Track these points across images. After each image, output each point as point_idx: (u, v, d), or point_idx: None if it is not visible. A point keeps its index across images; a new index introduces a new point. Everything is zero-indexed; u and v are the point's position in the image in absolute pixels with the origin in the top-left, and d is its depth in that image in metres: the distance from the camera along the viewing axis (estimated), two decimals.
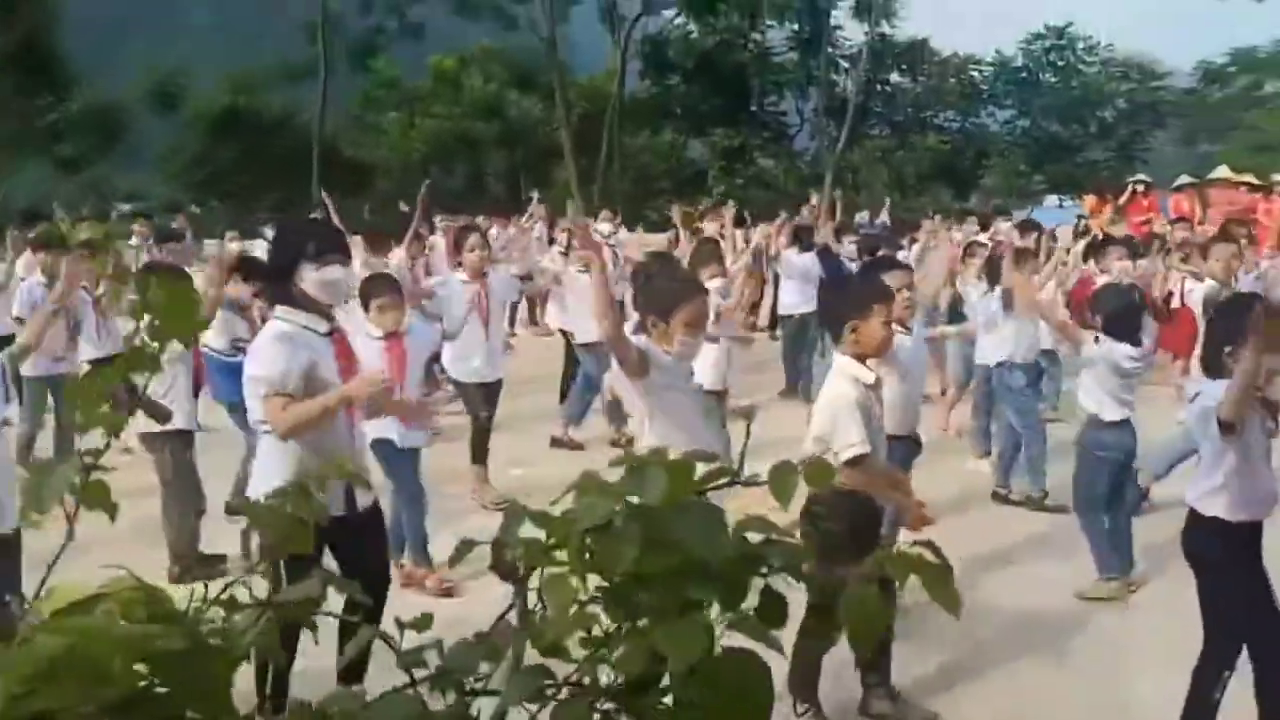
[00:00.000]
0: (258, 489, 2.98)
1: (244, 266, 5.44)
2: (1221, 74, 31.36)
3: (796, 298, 8.62)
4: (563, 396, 7.52)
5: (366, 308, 4.51)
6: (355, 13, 30.52)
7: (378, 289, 4.55)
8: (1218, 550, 3.07)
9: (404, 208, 10.41)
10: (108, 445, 0.95)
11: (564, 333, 7.71)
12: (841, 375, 3.34)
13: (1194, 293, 6.65)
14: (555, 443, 6.99)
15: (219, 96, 30.48)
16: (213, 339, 5.31)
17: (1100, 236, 8.32)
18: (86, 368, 6.00)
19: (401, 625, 0.94)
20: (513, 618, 0.91)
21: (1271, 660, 3.02)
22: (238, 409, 4.92)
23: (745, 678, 0.82)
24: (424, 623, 0.95)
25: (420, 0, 30.08)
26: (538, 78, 32.07)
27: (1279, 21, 37.50)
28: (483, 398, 5.80)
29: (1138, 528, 4.72)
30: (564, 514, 0.86)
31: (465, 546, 0.98)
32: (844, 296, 3.66)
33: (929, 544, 0.88)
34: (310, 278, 3.05)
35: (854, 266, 7.70)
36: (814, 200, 14.41)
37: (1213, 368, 3.17)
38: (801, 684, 3.30)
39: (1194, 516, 3.13)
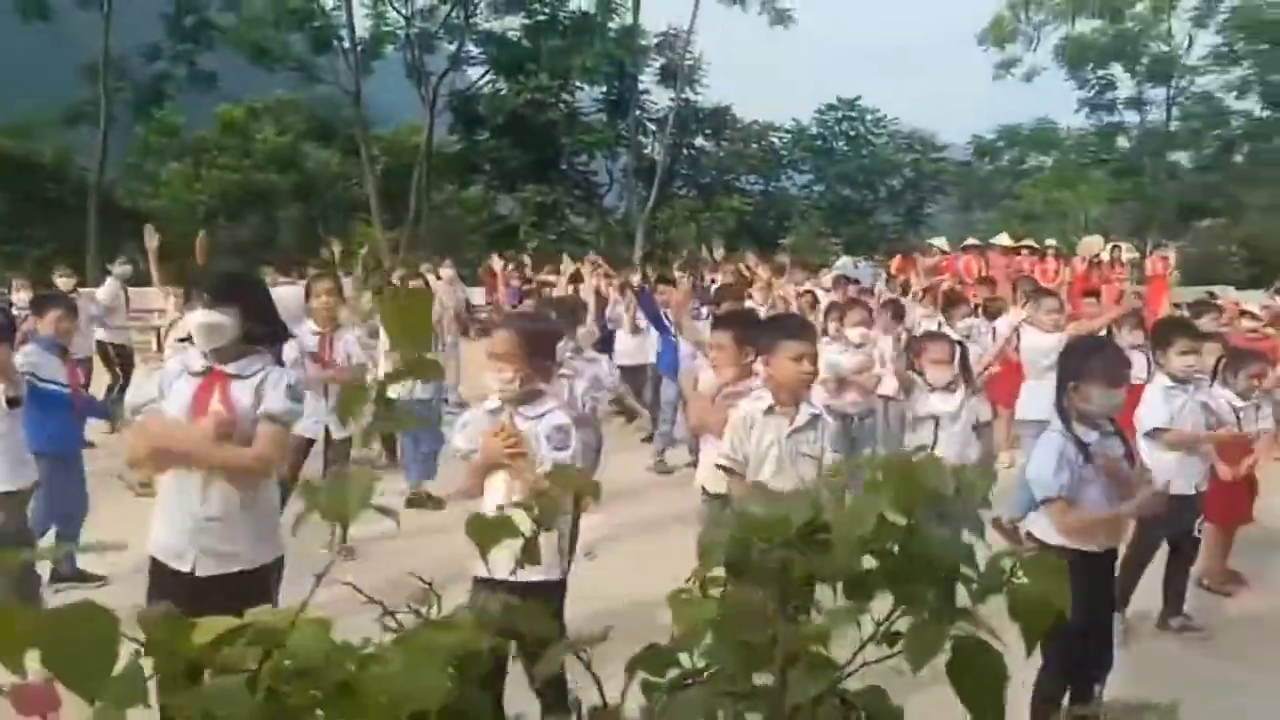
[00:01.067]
0: None
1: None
2: (991, 148, 34.28)
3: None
4: None
5: None
6: (141, 57, 28.77)
7: None
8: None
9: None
10: None
11: None
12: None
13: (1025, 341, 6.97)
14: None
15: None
16: None
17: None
18: None
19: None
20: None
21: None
22: None
23: (985, 662, 0.91)
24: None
25: (212, 49, 28.69)
26: (335, 130, 31.32)
27: (1042, 102, 41.65)
28: None
29: None
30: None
31: None
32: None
33: None
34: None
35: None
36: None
37: (1060, 406, 3.56)
38: None
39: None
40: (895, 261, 16.10)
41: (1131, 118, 31.87)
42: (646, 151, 31.21)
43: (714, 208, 29.90)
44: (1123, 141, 32.53)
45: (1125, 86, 31.06)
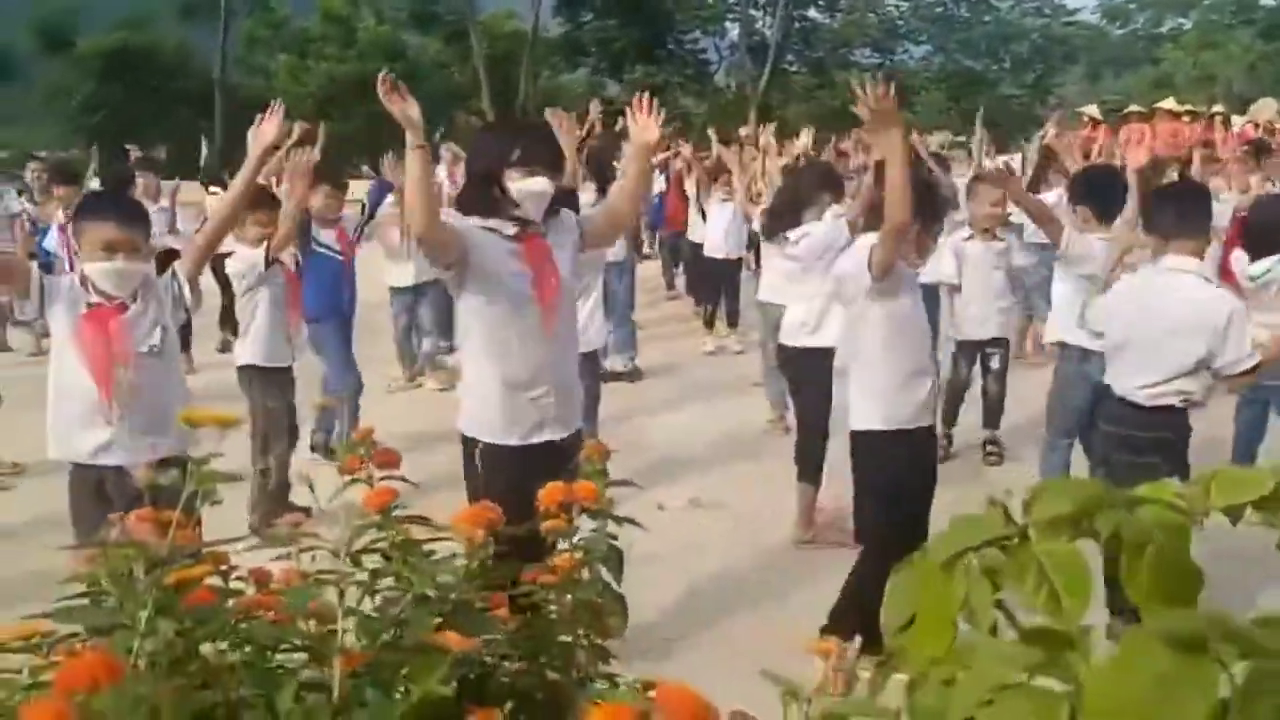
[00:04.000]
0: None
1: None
2: (1123, 11, 32.17)
3: None
4: None
5: None
6: None
7: None
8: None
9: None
10: None
11: None
12: None
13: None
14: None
15: (110, 35, 28.40)
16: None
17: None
18: None
19: None
20: None
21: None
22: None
23: None
24: None
25: None
26: (436, 17, 30.91)
27: None
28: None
29: None
30: None
31: None
32: None
33: None
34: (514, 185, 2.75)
35: None
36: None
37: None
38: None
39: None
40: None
41: None
42: (758, 26, 30.13)
43: (830, 83, 28.88)
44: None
45: None
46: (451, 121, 31.13)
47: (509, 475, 2.67)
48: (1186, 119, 14.26)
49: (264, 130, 3.12)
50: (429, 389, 7.06)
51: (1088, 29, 31.78)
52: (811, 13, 31.10)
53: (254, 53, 32.02)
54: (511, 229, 2.77)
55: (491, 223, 2.76)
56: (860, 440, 3.21)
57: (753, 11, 30.10)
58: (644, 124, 3.04)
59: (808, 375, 4.42)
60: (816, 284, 4.33)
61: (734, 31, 30.72)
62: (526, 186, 2.73)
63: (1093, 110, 15.77)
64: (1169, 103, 14.95)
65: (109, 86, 27.42)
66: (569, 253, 2.89)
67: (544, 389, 2.80)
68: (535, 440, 2.79)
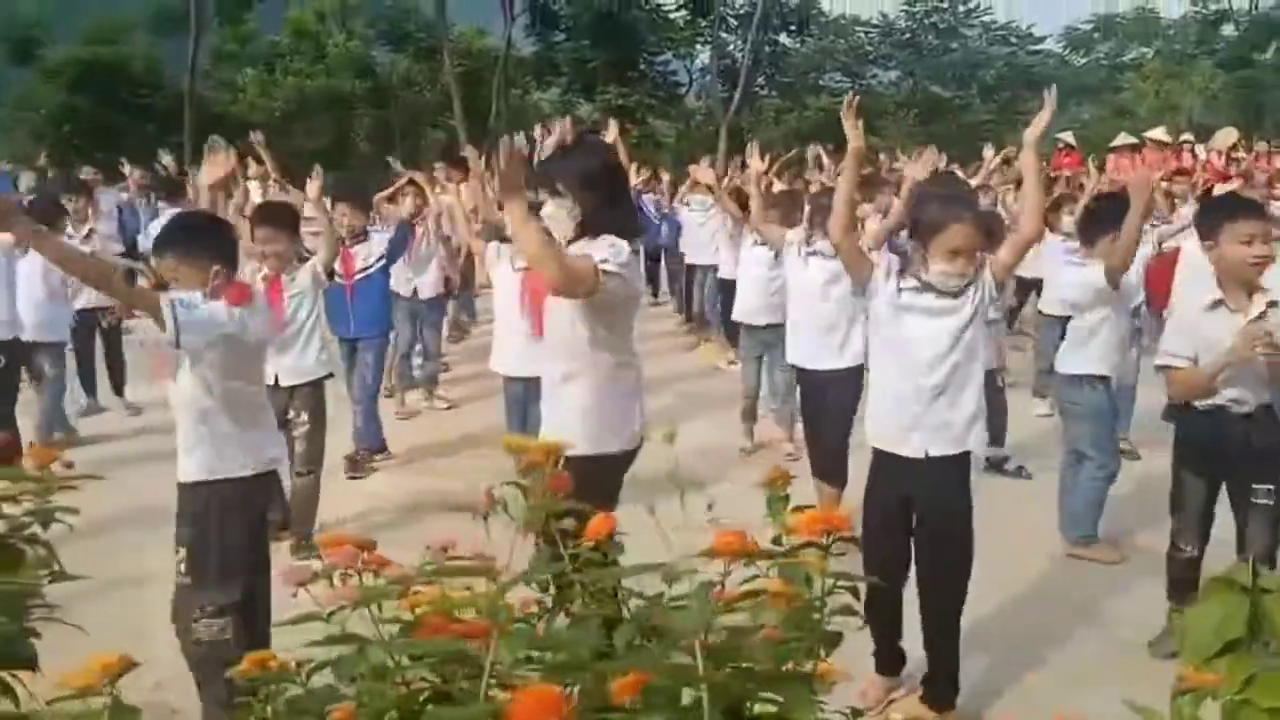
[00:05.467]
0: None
1: None
2: (1086, 40, 32.73)
3: None
4: None
5: None
6: None
7: None
8: None
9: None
10: None
11: None
12: None
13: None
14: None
15: (80, 48, 28.02)
16: None
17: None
18: None
19: None
20: None
21: None
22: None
23: None
24: None
25: None
26: (406, 34, 30.82)
27: None
28: None
29: None
30: None
31: None
32: None
33: None
34: None
35: None
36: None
37: None
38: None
39: None
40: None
41: (1240, 2, 30.13)
42: (729, 49, 30.31)
43: (800, 107, 29.09)
44: (1229, 29, 30.83)
45: None
46: (421, 138, 31.13)
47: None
48: (1176, 149, 14.35)
49: (209, 169, 3.33)
50: (436, 408, 7.34)
51: (1052, 57, 32.30)
52: (783, 38, 31.37)
53: (222, 67, 31.73)
54: None
55: None
56: None
57: (724, 35, 30.31)
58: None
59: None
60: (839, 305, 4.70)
61: (705, 54, 30.89)
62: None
63: (1068, 137, 15.97)
64: (1158, 132, 15.13)
65: (77, 99, 27.02)
66: None
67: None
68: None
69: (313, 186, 4.97)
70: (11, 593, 1.12)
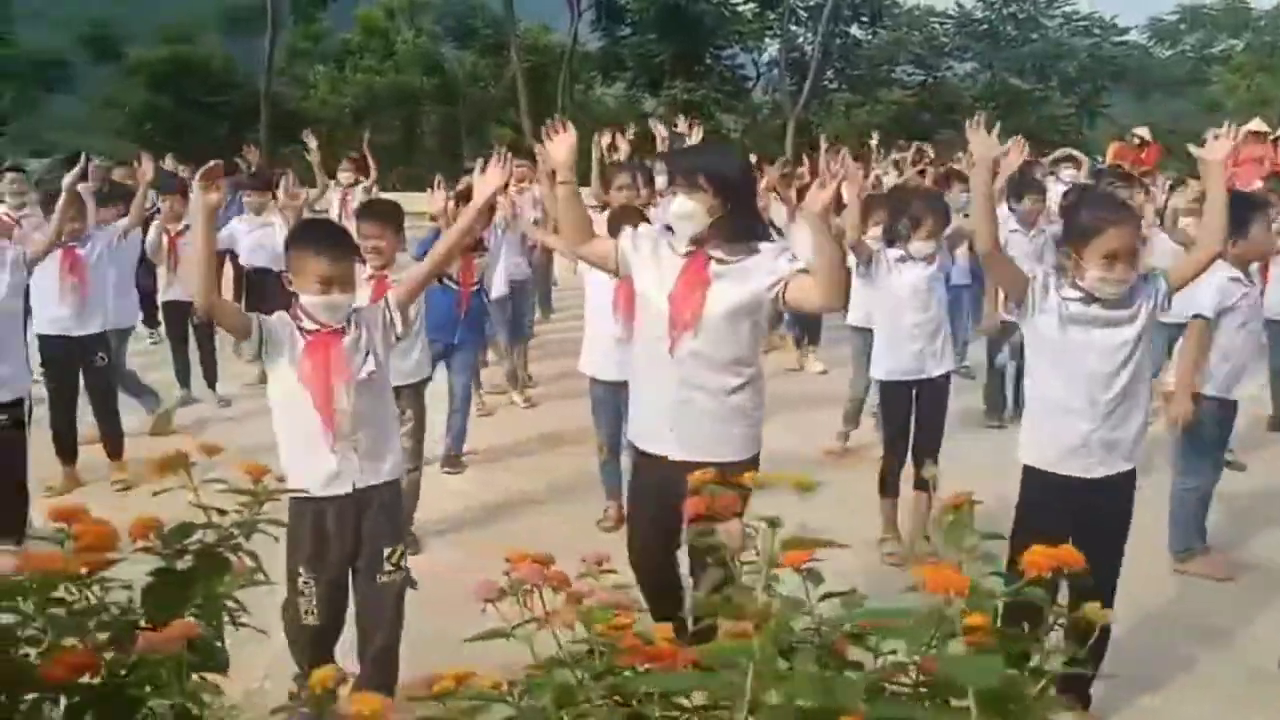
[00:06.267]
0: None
1: None
2: (1172, 31, 31.54)
3: None
4: None
5: None
6: None
7: None
8: None
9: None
10: None
11: None
12: None
13: None
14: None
15: (159, 49, 28.72)
16: None
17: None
18: None
19: None
20: None
21: None
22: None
23: None
24: None
25: None
26: (474, 30, 30.94)
27: None
28: None
29: None
30: None
31: None
32: None
33: None
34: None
35: None
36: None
37: None
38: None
39: None
40: (1112, 148, 15.08)
41: None
42: (798, 42, 29.82)
43: (871, 100, 28.49)
44: None
45: None
46: (486, 135, 31.25)
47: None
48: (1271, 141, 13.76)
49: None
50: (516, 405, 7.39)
51: (1136, 49, 31.16)
52: (854, 29, 30.74)
53: (295, 64, 32.22)
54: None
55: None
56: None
57: (793, 27, 29.81)
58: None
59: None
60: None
61: (773, 47, 30.42)
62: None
63: (1143, 131, 15.48)
64: (1256, 123, 14.47)
65: (158, 98, 27.68)
66: None
67: None
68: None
69: (436, 198, 5.19)
70: (213, 600, 1.18)
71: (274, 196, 7.33)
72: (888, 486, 4.71)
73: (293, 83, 32.00)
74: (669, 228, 3.06)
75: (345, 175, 9.54)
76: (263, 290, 7.24)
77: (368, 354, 3.00)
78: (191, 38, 29.90)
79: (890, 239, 4.75)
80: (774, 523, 1.10)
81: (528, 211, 7.90)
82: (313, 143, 8.61)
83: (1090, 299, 3.00)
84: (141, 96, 27.98)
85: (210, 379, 7.55)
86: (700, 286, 2.90)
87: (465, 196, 7.79)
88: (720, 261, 2.93)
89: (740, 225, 2.96)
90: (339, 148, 8.50)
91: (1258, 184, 10.34)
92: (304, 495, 2.89)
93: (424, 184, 6.60)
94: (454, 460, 5.97)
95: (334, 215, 8.44)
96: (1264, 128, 13.45)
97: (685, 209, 2.92)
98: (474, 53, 31.51)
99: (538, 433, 6.65)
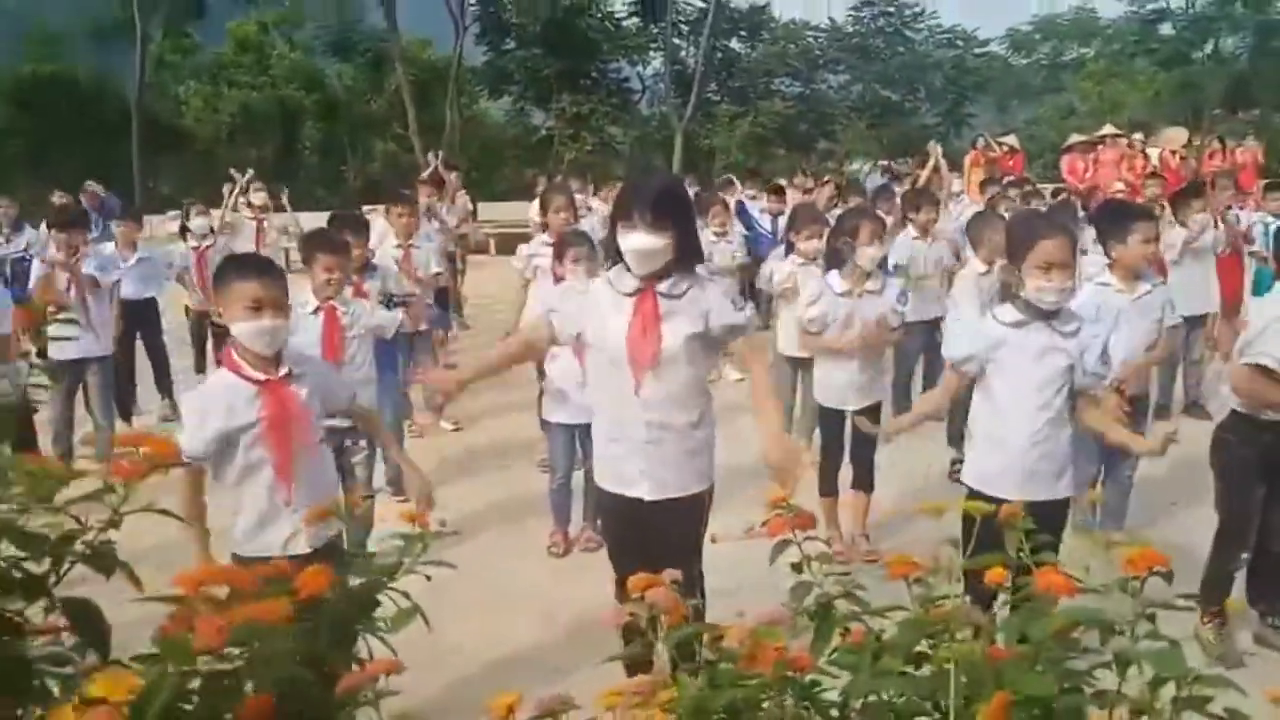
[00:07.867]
0: None
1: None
2: (1028, 41, 33.34)
3: None
4: None
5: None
6: None
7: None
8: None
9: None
10: None
11: None
12: None
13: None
14: None
15: (21, 62, 27.34)
16: None
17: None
18: None
19: None
20: None
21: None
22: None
23: None
24: None
25: None
26: (353, 44, 30.52)
27: None
28: None
29: None
30: None
31: None
32: None
33: None
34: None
35: None
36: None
37: None
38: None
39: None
40: (970, 155, 15.79)
41: (1177, 1, 30.76)
42: (682, 55, 30.41)
43: (754, 111, 29.26)
44: (1166, 29, 31.53)
45: None
46: (370, 150, 30.75)
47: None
48: (1129, 146, 14.64)
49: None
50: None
51: (997, 60, 32.86)
52: (734, 43, 31.54)
53: (161, 77, 31.12)
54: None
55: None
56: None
57: (676, 41, 30.39)
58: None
59: None
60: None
61: (657, 61, 30.95)
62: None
63: (1011, 140, 16.33)
64: (1109, 128, 15.43)
65: (21, 115, 26.34)
66: None
67: None
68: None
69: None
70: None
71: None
72: (826, 487, 4.81)
73: (164, 97, 30.94)
74: (618, 254, 3.00)
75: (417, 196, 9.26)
76: (141, 321, 7.34)
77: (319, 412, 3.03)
78: (55, 52, 28.58)
79: (833, 263, 4.76)
80: None
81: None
82: (243, 178, 8.71)
83: (1030, 309, 3.16)
84: (2, 113, 26.64)
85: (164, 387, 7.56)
86: (654, 323, 2.91)
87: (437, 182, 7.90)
88: (667, 296, 2.95)
89: (689, 254, 3.01)
90: (217, 164, 8.52)
91: (1118, 186, 11.05)
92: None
93: (307, 201, 6.60)
94: (399, 484, 5.86)
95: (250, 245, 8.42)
96: (1116, 131, 14.39)
97: (652, 245, 2.88)
98: (354, 67, 31.05)
99: (468, 453, 6.68)
